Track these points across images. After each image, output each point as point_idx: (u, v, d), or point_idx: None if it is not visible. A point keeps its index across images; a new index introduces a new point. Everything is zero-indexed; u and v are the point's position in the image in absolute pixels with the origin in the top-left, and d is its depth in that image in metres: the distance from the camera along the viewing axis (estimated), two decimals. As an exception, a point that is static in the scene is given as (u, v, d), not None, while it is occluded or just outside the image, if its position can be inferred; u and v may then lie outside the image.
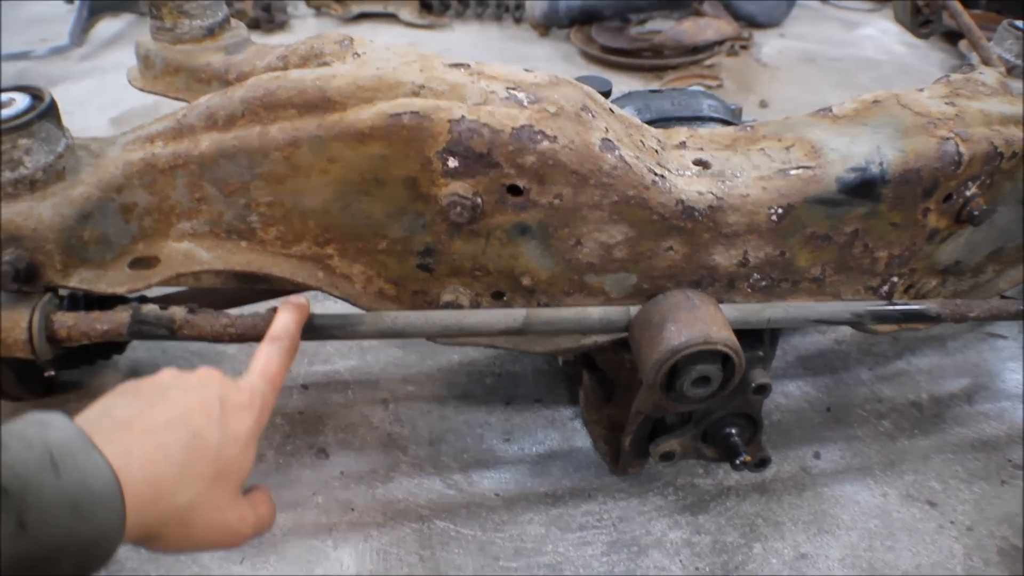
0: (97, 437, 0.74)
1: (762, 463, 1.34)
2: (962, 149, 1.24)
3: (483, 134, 1.08)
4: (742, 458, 1.29)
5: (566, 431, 1.56)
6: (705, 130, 1.34)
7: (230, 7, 2.70)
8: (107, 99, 2.80)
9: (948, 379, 1.77)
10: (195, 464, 0.81)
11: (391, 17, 3.39)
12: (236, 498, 0.87)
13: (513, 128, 1.08)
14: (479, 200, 1.11)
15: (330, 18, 3.40)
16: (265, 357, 0.99)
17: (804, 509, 1.44)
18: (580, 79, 1.55)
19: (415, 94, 1.12)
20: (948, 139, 1.24)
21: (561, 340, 1.26)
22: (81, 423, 0.76)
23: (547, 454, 1.52)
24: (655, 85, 2.84)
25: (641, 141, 1.20)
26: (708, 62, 3.07)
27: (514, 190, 1.12)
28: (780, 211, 1.18)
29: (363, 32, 3.11)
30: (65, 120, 1.23)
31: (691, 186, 1.16)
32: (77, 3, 3.25)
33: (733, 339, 1.11)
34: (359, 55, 1.24)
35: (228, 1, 2.67)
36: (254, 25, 3.30)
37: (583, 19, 3.23)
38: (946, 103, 1.35)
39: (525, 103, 1.12)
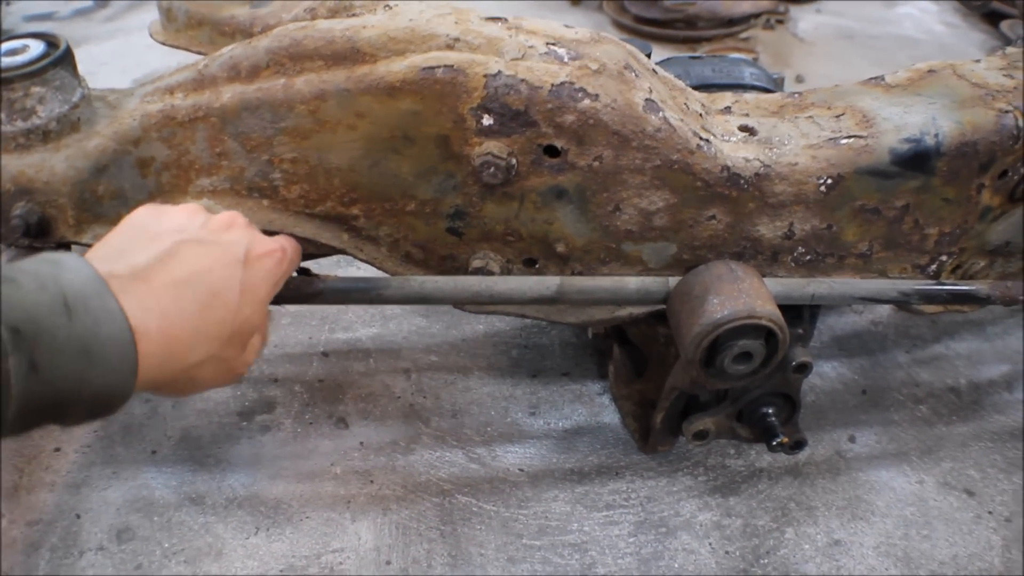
0: (113, 283, 0.72)
1: (798, 445, 1.29)
2: (1021, 123, 1.19)
3: (520, 90, 1.03)
4: (779, 440, 1.24)
5: (594, 406, 1.51)
6: (751, 96, 1.28)
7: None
8: (131, 60, 2.76)
9: (987, 365, 1.71)
10: (211, 325, 0.81)
11: (420, -15, 3.33)
12: (244, 349, 0.88)
13: (552, 85, 1.03)
14: (514, 161, 1.06)
15: (359, -15, 3.35)
16: None
17: (838, 494, 1.39)
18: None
19: (449, 47, 1.07)
20: (1007, 112, 1.18)
21: (595, 311, 1.20)
22: (97, 264, 0.74)
23: (574, 429, 1.47)
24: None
25: (685, 104, 1.15)
26: (743, 35, 3.00)
27: (551, 151, 1.06)
28: (829, 182, 1.12)
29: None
30: (88, 81, 1.18)
31: (737, 152, 1.11)
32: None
33: (778, 314, 1.05)
34: (391, 7, 1.19)
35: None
36: (282, -10, 3.24)
37: (619, -12, 3.18)
38: (1004, 75, 1.29)
39: (565, 59, 1.06)
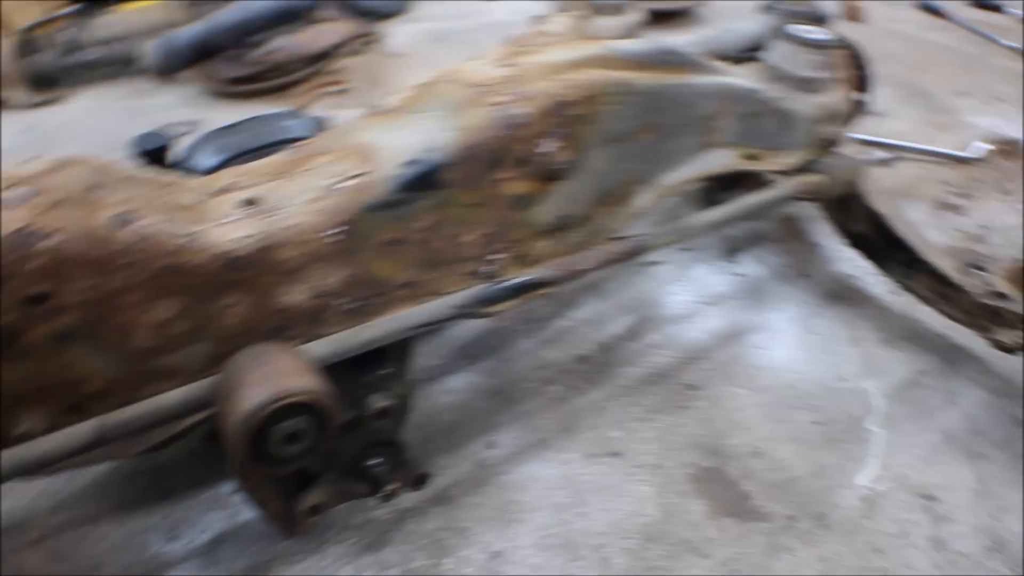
0: None
1: (420, 481, 1.28)
2: (521, 109, 1.22)
3: (-25, 251, 0.96)
4: (389, 487, 1.22)
5: (230, 508, 1.44)
6: (257, 163, 1.25)
7: None
8: None
9: (612, 322, 1.77)
10: None
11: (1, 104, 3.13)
12: None
13: (9, 234, 0.97)
14: (4, 320, 0.99)
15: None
16: None
17: (487, 506, 1.40)
18: (142, 136, 1.45)
19: None
20: (504, 103, 1.22)
21: (157, 433, 1.14)
22: None
23: (216, 539, 1.40)
24: (287, 105, 2.75)
25: (173, 200, 1.11)
26: (334, 67, 3.00)
27: (36, 299, 1.00)
28: (339, 231, 1.12)
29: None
30: None
31: (233, 233, 1.08)
32: None
33: (312, 383, 1.01)
34: None
35: None
36: None
37: (202, 56, 3.07)
38: (503, 66, 1.33)
39: (22, 201, 1.00)
